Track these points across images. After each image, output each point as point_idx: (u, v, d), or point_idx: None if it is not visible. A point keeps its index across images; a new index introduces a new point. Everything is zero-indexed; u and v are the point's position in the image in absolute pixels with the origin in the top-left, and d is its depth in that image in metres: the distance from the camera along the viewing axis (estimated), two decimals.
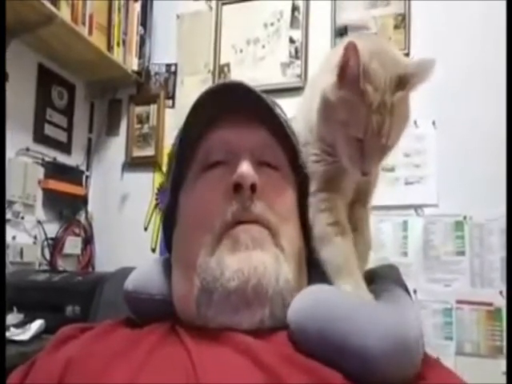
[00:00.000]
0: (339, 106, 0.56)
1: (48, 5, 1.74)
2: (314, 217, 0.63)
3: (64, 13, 1.83)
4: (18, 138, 1.92)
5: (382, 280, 0.66)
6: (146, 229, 2.22)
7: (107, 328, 0.61)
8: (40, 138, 2.05)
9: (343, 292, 0.56)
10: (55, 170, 2.10)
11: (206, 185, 0.62)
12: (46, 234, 2.05)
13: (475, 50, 1.80)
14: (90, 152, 2.38)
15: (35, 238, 2.01)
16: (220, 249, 0.57)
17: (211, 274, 0.56)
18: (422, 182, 1.83)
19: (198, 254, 0.58)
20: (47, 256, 2.06)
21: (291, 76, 2.08)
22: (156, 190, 2.23)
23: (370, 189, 0.69)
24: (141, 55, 2.29)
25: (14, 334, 1.36)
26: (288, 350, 0.51)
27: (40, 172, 2.03)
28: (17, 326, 1.41)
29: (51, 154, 2.11)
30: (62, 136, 2.18)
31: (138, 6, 2.28)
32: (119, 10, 2.19)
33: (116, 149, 2.36)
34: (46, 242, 2.06)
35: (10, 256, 1.83)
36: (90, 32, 2.01)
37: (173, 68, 2.32)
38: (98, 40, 2.05)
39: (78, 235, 2.23)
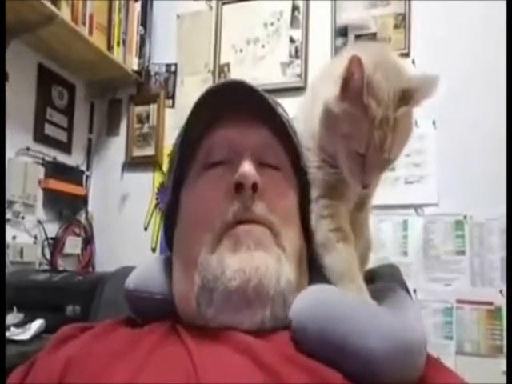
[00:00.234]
0: (342, 118, 0.56)
1: (48, 5, 1.73)
2: (316, 223, 0.63)
3: (64, 13, 1.83)
4: (18, 138, 1.92)
5: (382, 280, 0.66)
6: (146, 229, 2.22)
7: (107, 327, 0.61)
8: (40, 137, 2.05)
9: (344, 292, 0.56)
10: (55, 170, 2.10)
11: (207, 183, 0.62)
12: (46, 233, 2.05)
13: (475, 49, 1.80)
14: (90, 152, 2.38)
15: (35, 237, 2.01)
16: (221, 248, 0.57)
17: (212, 272, 0.56)
18: (422, 181, 1.83)
19: (198, 253, 0.58)
20: (47, 256, 2.06)
21: (291, 76, 2.08)
22: (156, 190, 2.23)
23: (367, 199, 0.69)
24: (141, 55, 2.29)
25: (14, 333, 1.36)
26: (289, 350, 0.51)
27: (40, 172, 2.03)
28: (17, 325, 1.41)
29: (51, 153, 2.11)
30: (62, 136, 2.18)
31: (138, 6, 2.28)
32: (119, 9, 2.19)
33: (116, 149, 2.36)
34: (46, 242, 2.06)
35: (11, 256, 1.83)
36: (90, 32, 2.01)
37: (173, 68, 2.32)
38: (98, 40, 2.05)
39: (78, 235, 2.23)
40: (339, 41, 2.02)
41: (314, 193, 0.64)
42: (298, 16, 2.11)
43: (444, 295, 1.73)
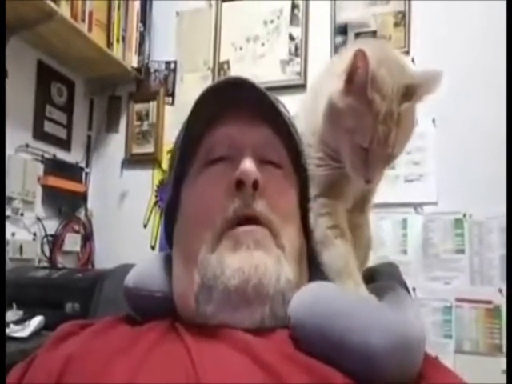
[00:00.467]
0: (346, 113, 0.56)
1: (48, 1, 1.73)
2: (314, 221, 0.63)
3: (64, 9, 1.83)
4: (17, 135, 1.91)
5: (382, 278, 0.67)
6: (145, 226, 2.22)
7: (107, 325, 0.60)
8: (39, 134, 2.04)
9: (343, 289, 0.56)
10: (55, 167, 2.10)
11: (207, 180, 0.62)
12: (45, 230, 2.05)
13: (475, 47, 1.80)
14: (89, 149, 2.38)
15: (35, 234, 2.01)
16: (220, 247, 0.57)
17: (212, 271, 0.56)
18: (422, 179, 1.83)
19: (198, 250, 0.58)
20: (47, 253, 2.06)
21: (291, 73, 2.08)
22: (155, 187, 2.23)
23: (369, 197, 0.69)
24: (140, 52, 2.29)
25: (13, 330, 1.36)
26: (288, 349, 0.51)
27: (39, 169, 2.03)
28: (16, 322, 1.41)
29: (51, 150, 2.10)
30: (61, 133, 2.18)
31: (137, 3, 2.27)
32: (119, 7, 2.19)
33: (115, 146, 2.36)
34: (45, 239, 2.06)
35: (10, 252, 1.83)
36: (90, 29, 2.01)
37: (172, 65, 2.31)
38: (97, 37, 2.04)
39: (77, 232, 2.23)
40: (339, 39, 2.01)
41: (313, 191, 0.64)
42: (298, 14, 2.11)
43: (443, 294, 1.73)
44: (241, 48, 2.19)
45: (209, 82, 2.18)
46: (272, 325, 0.55)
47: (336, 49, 1.99)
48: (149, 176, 2.26)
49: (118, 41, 2.17)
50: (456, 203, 1.75)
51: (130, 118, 2.34)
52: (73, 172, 2.23)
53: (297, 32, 2.10)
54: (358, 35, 1.99)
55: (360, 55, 0.53)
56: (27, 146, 1.97)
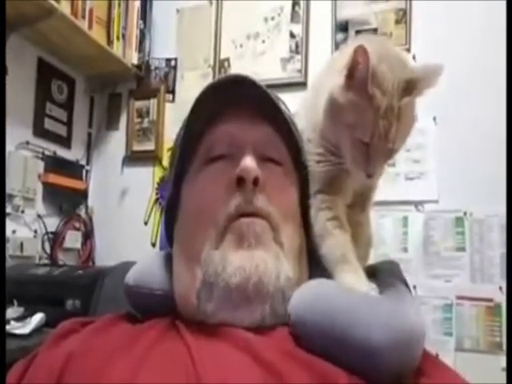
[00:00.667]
0: (346, 108, 0.56)
1: None
2: (314, 216, 0.63)
3: (64, 7, 1.83)
4: (17, 132, 1.91)
5: (382, 276, 0.66)
6: (146, 223, 2.22)
7: (107, 322, 0.61)
8: (40, 131, 2.04)
9: (343, 285, 0.56)
10: (55, 164, 2.10)
11: (208, 178, 0.62)
12: (46, 227, 2.05)
13: (476, 45, 1.80)
14: (89, 146, 2.38)
15: (35, 232, 2.01)
16: (224, 244, 0.57)
17: (214, 267, 0.56)
18: (423, 177, 1.83)
19: (201, 248, 0.58)
20: (47, 250, 2.06)
21: (291, 71, 2.07)
22: (156, 185, 2.23)
23: (369, 193, 0.69)
24: (141, 49, 2.28)
25: (14, 327, 1.37)
26: (288, 346, 0.51)
27: (40, 166, 2.03)
28: (17, 319, 1.42)
29: (51, 148, 2.10)
30: (61, 130, 2.18)
31: (137, 1, 2.27)
32: (119, 4, 2.18)
33: (116, 143, 2.36)
34: (46, 236, 2.06)
35: (11, 250, 1.83)
36: (90, 26, 2.00)
37: (173, 62, 2.31)
38: (97, 34, 2.04)
39: (78, 229, 2.23)
40: (340, 36, 2.01)
41: (313, 187, 0.65)
42: (299, 11, 2.10)
43: (444, 291, 1.73)
44: (241, 45, 2.18)
45: (209, 80, 2.17)
46: (272, 323, 0.55)
47: (337, 46, 1.99)
48: (149, 173, 2.26)
49: (118, 38, 2.17)
50: (457, 201, 1.75)
51: (131, 116, 2.33)
52: (73, 169, 2.23)
53: (297, 29, 2.09)
54: (358, 32, 1.98)
55: (360, 51, 0.53)
56: (27, 143, 1.97)
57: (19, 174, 1.89)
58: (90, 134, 2.39)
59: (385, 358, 0.46)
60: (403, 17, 1.93)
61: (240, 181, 0.58)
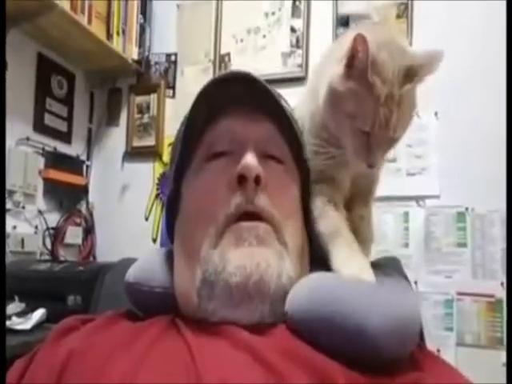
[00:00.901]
0: (346, 97, 0.56)
1: None
2: (313, 202, 0.64)
3: (63, 2, 1.82)
4: (17, 128, 1.91)
5: (382, 268, 0.66)
6: (146, 219, 2.22)
7: (108, 320, 0.60)
8: (40, 127, 2.04)
9: (341, 277, 0.56)
10: (55, 160, 2.09)
11: (209, 175, 0.61)
12: (46, 223, 2.05)
13: (478, 40, 1.79)
14: (90, 142, 2.38)
15: (36, 227, 2.01)
16: (223, 243, 0.56)
17: (213, 267, 0.55)
18: (424, 173, 1.82)
19: (201, 246, 0.57)
20: (48, 246, 2.06)
21: (292, 66, 2.06)
22: (157, 180, 2.23)
23: (371, 186, 0.69)
24: (141, 44, 2.28)
25: (15, 323, 1.37)
26: (289, 344, 0.50)
27: (40, 162, 2.03)
28: (19, 315, 1.42)
29: (51, 143, 2.10)
30: (62, 126, 2.18)
31: None
32: None
33: (116, 138, 2.36)
34: (47, 232, 2.06)
35: (11, 246, 1.83)
36: (90, 21, 1.99)
37: (173, 57, 2.30)
38: (97, 29, 2.03)
39: (78, 225, 2.24)
40: (341, 31, 2.00)
41: (312, 176, 0.65)
42: (300, 5, 2.09)
43: (445, 287, 1.73)
44: (242, 40, 2.17)
45: (210, 75, 2.17)
46: (272, 320, 0.55)
47: None
48: (150, 169, 2.26)
49: (118, 33, 2.16)
50: (458, 197, 1.75)
51: (131, 111, 2.33)
52: (74, 165, 2.23)
53: (298, 24, 2.08)
54: None
55: (359, 39, 0.53)
56: (28, 138, 1.96)
57: (19, 170, 1.89)
58: (90, 130, 2.39)
59: (384, 344, 0.46)
60: (404, 11, 1.92)
61: (241, 179, 0.57)
